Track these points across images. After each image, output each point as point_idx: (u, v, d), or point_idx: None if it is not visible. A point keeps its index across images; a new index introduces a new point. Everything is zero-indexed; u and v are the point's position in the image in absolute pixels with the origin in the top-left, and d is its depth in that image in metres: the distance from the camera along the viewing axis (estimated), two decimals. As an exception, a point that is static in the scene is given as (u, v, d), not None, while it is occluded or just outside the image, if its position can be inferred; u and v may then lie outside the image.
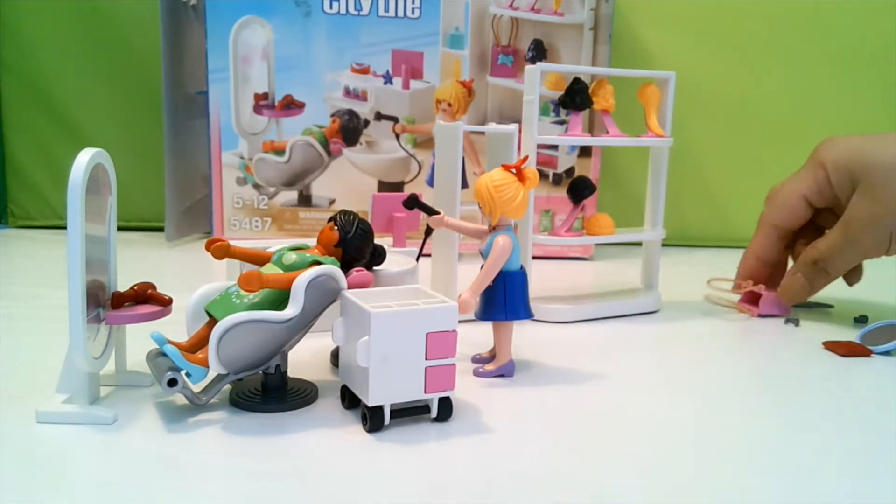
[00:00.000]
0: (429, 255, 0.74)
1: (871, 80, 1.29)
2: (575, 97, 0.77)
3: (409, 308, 0.49)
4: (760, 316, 0.83)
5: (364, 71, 1.14)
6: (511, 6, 1.14)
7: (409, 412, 0.51)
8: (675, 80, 0.82)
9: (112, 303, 0.53)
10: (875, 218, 0.73)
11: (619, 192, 1.30)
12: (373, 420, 0.49)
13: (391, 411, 0.49)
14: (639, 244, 0.90)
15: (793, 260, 0.87)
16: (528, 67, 0.76)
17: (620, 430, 0.52)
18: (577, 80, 0.78)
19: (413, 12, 1.13)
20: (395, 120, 1.16)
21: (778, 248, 0.86)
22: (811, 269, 0.79)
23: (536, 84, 0.75)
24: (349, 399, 0.53)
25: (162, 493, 0.41)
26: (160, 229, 1.20)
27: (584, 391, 0.59)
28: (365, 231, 0.55)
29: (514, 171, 0.58)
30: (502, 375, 0.61)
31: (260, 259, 0.55)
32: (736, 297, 0.88)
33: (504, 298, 0.59)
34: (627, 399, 0.58)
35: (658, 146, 0.84)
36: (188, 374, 0.50)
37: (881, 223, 0.73)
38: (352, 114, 1.16)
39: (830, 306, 0.88)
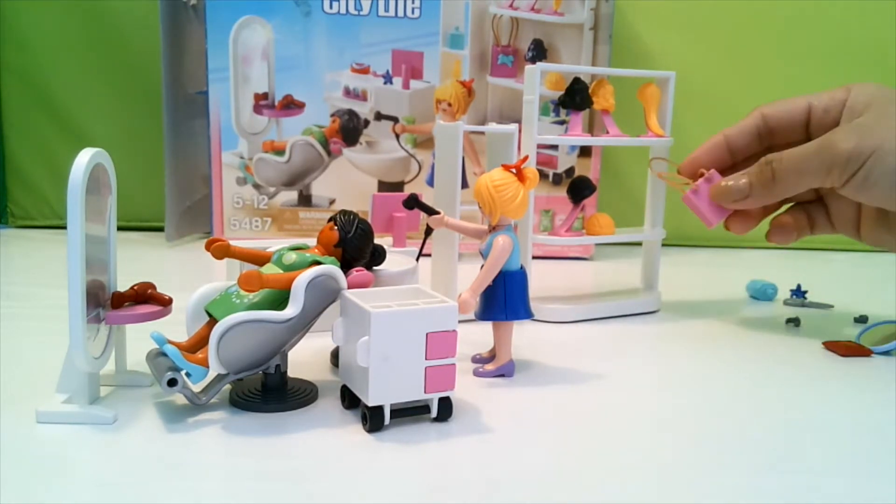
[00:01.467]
0: (429, 255, 0.74)
1: (869, 81, 1.29)
2: (575, 97, 0.77)
3: (409, 308, 0.49)
4: (685, 199, 0.75)
5: (364, 71, 1.15)
6: (511, 6, 1.14)
7: (409, 412, 0.51)
8: (674, 80, 0.82)
9: (112, 303, 0.53)
10: (860, 146, 0.65)
11: (619, 192, 1.30)
12: (373, 420, 0.49)
13: (391, 411, 0.49)
14: (639, 244, 0.90)
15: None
16: (528, 67, 0.76)
17: (620, 429, 0.52)
18: (577, 80, 0.78)
19: (413, 12, 1.13)
20: (395, 120, 1.16)
21: (752, 142, 0.77)
22: (759, 168, 0.71)
23: (536, 84, 0.75)
24: (349, 399, 0.53)
25: (162, 493, 0.41)
26: (160, 229, 1.20)
27: (584, 391, 0.59)
28: (365, 231, 0.55)
29: (514, 171, 0.58)
30: (502, 375, 0.61)
31: (260, 259, 0.55)
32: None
33: (504, 298, 0.59)
34: (627, 399, 0.58)
35: (658, 146, 0.84)
36: (188, 374, 0.50)
37: (861, 153, 0.65)
38: (352, 114, 1.16)
39: (830, 306, 0.88)
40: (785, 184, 0.70)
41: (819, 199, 0.78)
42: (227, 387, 0.54)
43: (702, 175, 0.75)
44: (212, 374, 0.51)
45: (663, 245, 0.87)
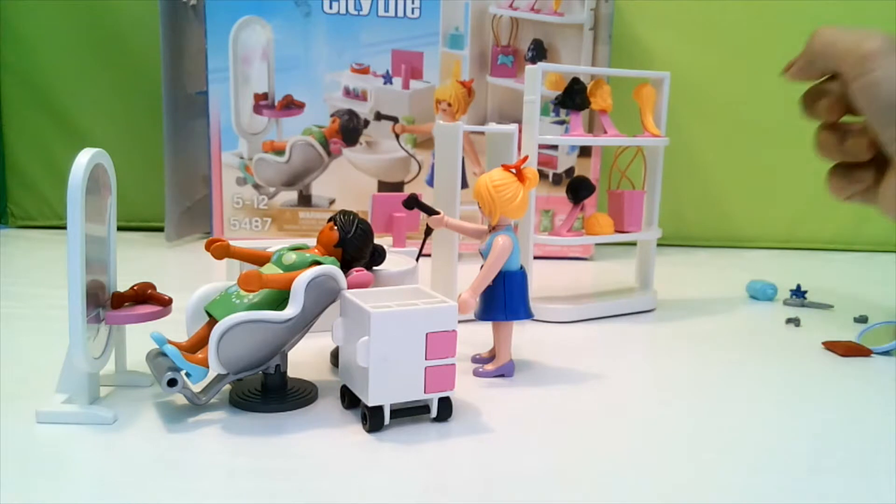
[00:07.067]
0: (429, 255, 0.74)
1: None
2: (574, 97, 0.77)
3: (409, 308, 0.49)
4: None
5: (364, 71, 1.14)
6: (511, 6, 1.14)
7: (409, 412, 0.51)
8: (669, 81, 0.83)
9: (112, 303, 0.53)
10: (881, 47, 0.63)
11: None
12: (373, 420, 0.49)
13: (391, 411, 0.50)
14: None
15: None
16: (530, 68, 0.76)
17: (620, 429, 0.52)
18: (576, 81, 0.78)
19: (413, 12, 1.13)
20: (395, 120, 1.16)
21: None
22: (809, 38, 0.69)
23: (538, 84, 0.75)
24: (349, 399, 0.53)
25: (162, 493, 0.41)
26: (160, 229, 1.20)
27: (584, 391, 0.59)
28: (365, 231, 0.55)
29: (513, 171, 0.58)
30: (502, 375, 0.61)
31: (260, 259, 0.55)
32: None
33: (504, 298, 0.59)
34: (627, 399, 0.58)
35: (653, 146, 0.84)
36: (188, 374, 0.50)
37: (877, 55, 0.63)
38: (352, 114, 1.16)
39: (830, 306, 0.88)
40: (813, 53, 0.63)
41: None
42: (227, 387, 0.54)
43: None
44: (212, 374, 0.51)
45: (664, 245, 0.87)
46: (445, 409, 0.51)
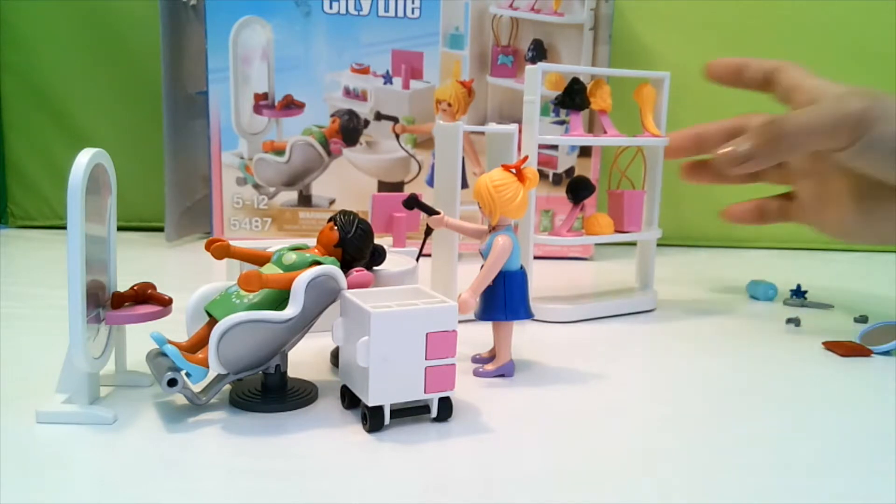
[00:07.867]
0: (429, 255, 0.74)
1: (870, 81, 1.29)
2: (574, 97, 0.77)
3: (409, 308, 0.49)
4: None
5: (364, 71, 1.14)
6: (511, 6, 1.14)
7: (409, 412, 0.51)
8: (669, 81, 0.83)
9: (112, 303, 0.53)
10: (869, 109, 0.67)
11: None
12: (373, 420, 0.49)
13: (391, 411, 0.50)
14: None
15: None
16: (529, 68, 0.76)
17: (620, 429, 0.52)
18: (575, 81, 0.78)
19: (413, 12, 1.13)
20: (395, 120, 1.16)
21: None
22: (763, 128, 0.71)
23: (538, 84, 0.75)
24: (349, 399, 0.53)
25: (162, 493, 0.41)
26: (160, 229, 1.20)
27: (584, 391, 0.59)
28: (365, 231, 0.55)
29: (513, 171, 0.58)
30: (502, 375, 0.61)
31: (260, 259, 0.55)
32: None
33: (504, 298, 0.59)
34: (627, 399, 0.58)
35: (653, 146, 0.84)
36: (188, 374, 0.50)
37: (869, 116, 0.66)
38: (352, 114, 1.16)
39: (830, 306, 0.88)
40: (792, 141, 0.69)
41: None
42: (227, 387, 0.54)
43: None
44: (212, 374, 0.51)
45: (664, 245, 0.87)
46: (445, 409, 0.51)
